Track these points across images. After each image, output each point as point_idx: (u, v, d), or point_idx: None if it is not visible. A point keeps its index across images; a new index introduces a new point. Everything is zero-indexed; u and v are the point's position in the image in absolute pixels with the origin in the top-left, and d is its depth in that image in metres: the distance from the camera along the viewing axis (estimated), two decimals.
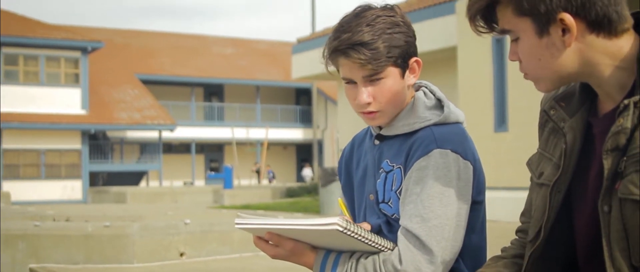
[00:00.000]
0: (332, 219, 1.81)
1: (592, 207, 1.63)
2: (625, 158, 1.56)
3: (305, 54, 23.01)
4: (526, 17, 1.60)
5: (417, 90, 2.11)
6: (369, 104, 2.00)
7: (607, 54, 1.61)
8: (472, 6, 1.68)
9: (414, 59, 2.03)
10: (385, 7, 2.02)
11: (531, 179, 1.86)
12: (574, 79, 1.68)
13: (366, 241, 1.87)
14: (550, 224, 1.73)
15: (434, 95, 2.08)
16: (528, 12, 1.59)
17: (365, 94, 1.99)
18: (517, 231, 1.94)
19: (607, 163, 1.58)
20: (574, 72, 1.64)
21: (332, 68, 2.05)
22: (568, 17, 1.57)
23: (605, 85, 1.63)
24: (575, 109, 1.72)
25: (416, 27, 2.15)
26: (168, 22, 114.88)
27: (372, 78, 1.98)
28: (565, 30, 1.58)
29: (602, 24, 1.58)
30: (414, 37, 2.04)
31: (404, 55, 1.99)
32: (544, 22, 1.59)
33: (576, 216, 1.73)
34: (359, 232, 1.85)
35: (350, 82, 2.01)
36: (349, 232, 1.83)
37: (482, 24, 1.70)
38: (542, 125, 1.84)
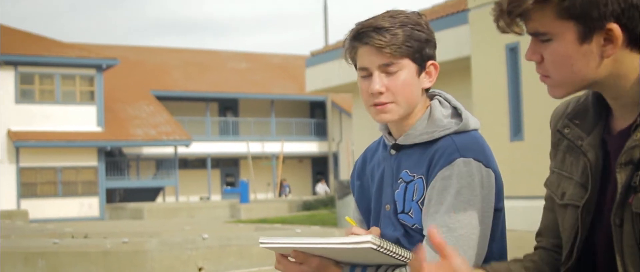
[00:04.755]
0: (365, 237, 1.81)
1: (609, 224, 1.61)
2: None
3: (319, 67, 22.99)
4: (570, 20, 1.51)
5: (431, 99, 2.10)
6: (381, 93, 1.99)
7: (634, 68, 1.56)
8: (517, 6, 1.54)
9: (431, 61, 2.04)
10: (413, 12, 2.05)
11: (547, 199, 1.82)
12: (593, 87, 1.63)
13: (395, 256, 1.87)
14: (582, 244, 1.69)
15: (450, 103, 2.08)
16: (575, 16, 1.50)
17: (379, 83, 1.98)
18: (534, 248, 1.89)
19: (620, 177, 1.56)
20: (599, 82, 1.59)
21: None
22: (617, 28, 1.50)
23: (624, 97, 1.59)
24: (591, 127, 1.68)
25: None
26: (182, 38, 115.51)
27: (388, 68, 1.98)
28: (606, 40, 1.51)
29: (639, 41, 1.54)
30: (434, 41, 2.05)
31: (421, 51, 2.00)
32: (589, 29, 1.50)
33: (595, 234, 1.69)
34: (390, 248, 1.85)
35: (366, 75, 2.01)
36: (382, 250, 1.83)
37: (518, 24, 1.58)
38: (555, 145, 1.79)
